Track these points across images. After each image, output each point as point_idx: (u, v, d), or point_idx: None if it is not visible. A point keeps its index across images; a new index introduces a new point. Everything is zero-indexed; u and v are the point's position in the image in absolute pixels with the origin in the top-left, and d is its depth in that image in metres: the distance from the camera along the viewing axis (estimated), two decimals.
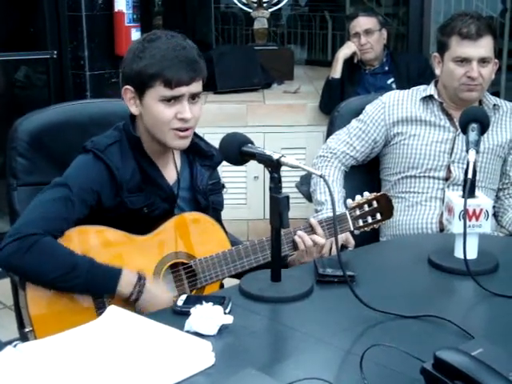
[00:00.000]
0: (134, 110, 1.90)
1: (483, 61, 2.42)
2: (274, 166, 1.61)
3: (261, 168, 4.07)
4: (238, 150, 1.69)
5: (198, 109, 1.89)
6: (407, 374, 1.28)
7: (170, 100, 1.84)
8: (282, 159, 1.60)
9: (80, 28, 4.21)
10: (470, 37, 2.39)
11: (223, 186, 2.14)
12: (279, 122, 4.32)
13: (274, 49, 5.26)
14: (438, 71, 2.54)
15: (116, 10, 4.23)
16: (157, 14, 5.43)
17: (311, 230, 2.03)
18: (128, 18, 4.22)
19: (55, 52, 4.30)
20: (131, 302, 1.77)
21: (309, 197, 2.62)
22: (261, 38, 5.24)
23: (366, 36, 4.08)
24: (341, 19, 6.95)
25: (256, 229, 4.29)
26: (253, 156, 1.67)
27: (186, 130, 1.88)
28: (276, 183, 1.61)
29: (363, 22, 4.11)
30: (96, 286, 1.77)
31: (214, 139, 2.05)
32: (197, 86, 1.86)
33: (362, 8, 5.96)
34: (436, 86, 2.56)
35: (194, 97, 1.86)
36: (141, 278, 1.78)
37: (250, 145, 1.70)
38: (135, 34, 4.23)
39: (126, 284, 1.76)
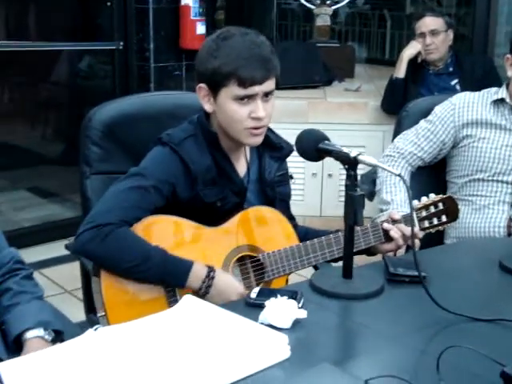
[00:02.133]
0: (208, 107, 1.91)
1: None
2: (351, 163, 1.62)
3: (319, 165, 4.14)
4: (314, 147, 1.69)
5: (271, 106, 1.89)
6: (485, 377, 1.28)
7: (243, 99, 1.84)
8: (360, 157, 1.60)
9: (147, 20, 4.27)
10: None
11: (291, 177, 2.16)
12: (340, 119, 4.29)
13: (335, 46, 5.23)
14: (509, 73, 2.50)
15: (182, 3, 4.28)
16: (219, 8, 5.46)
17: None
18: (194, 12, 4.26)
19: (121, 43, 4.36)
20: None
21: (369, 195, 2.61)
22: (323, 34, 5.21)
23: (432, 36, 4.03)
24: (400, 18, 6.88)
25: (312, 225, 4.25)
26: (329, 153, 1.68)
27: (260, 127, 1.89)
28: (352, 181, 1.61)
29: (429, 23, 4.06)
30: (167, 278, 1.80)
31: None
32: (270, 85, 1.86)
33: (423, 7, 5.89)
34: (508, 88, 2.53)
35: (267, 94, 1.86)
36: (210, 272, 1.80)
37: (326, 142, 1.70)
38: (200, 28, 4.27)
39: (195, 278, 1.79)
